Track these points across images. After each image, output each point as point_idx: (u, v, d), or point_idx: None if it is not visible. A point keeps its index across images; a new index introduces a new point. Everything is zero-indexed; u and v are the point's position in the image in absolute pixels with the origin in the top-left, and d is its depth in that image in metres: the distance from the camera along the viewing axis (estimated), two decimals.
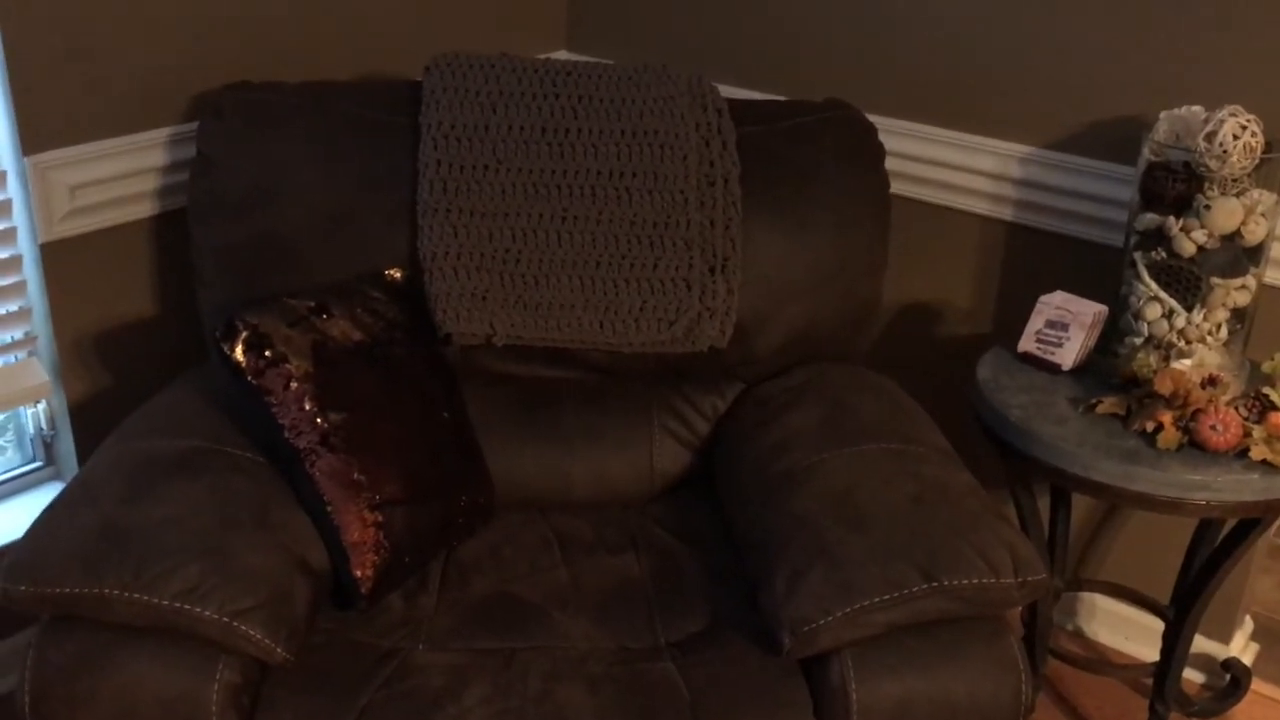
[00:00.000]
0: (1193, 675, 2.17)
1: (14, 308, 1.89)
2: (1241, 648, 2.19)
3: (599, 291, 1.83)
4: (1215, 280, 1.76)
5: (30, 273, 1.88)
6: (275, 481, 1.57)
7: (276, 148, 1.83)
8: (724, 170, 1.87)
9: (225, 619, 1.36)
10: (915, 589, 1.43)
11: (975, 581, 1.44)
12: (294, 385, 1.54)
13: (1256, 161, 1.71)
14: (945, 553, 1.46)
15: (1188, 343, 1.80)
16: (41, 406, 1.99)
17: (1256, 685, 2.14)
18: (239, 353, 1.54)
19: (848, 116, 1.98)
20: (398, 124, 1.86)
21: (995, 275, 2.19)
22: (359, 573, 1.54)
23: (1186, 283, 1.78)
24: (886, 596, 1.42)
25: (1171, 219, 1.76)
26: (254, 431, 1.62)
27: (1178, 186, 1.75)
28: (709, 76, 1.97)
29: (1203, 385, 1.73)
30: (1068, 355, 1.87)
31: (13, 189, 1.83)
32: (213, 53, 1.97)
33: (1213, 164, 1.71)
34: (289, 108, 1.86)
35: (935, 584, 1.43)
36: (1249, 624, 2.23)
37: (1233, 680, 2.09)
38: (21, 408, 1.98)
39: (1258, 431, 1.70)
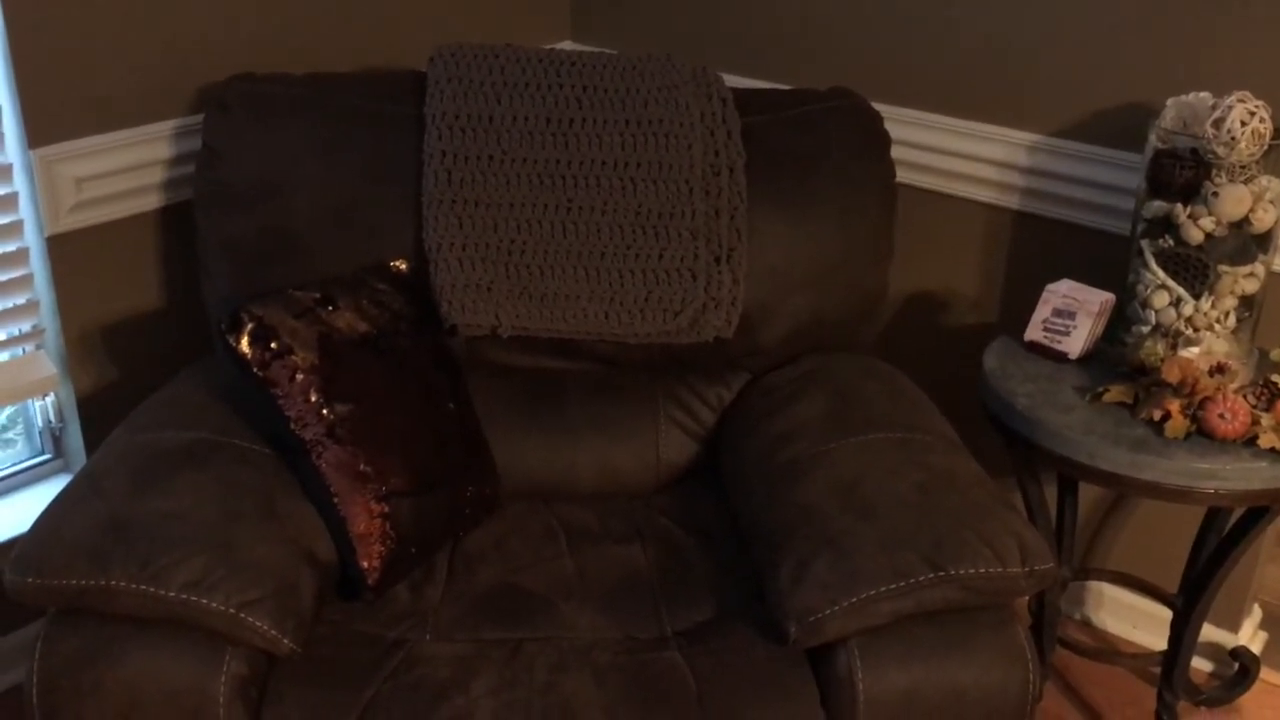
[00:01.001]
0: (1201, 664, 2.16)
1: (21, 301, 1.89)
2: (1250, 636, 2.19)
3: (604, 282, 1.83)
4: (1223, 268, 1.75)
5: (37, 266, 1.89)
6: (281, 473, 1.58)
7: (281, 140, 1.83)
8: (729, 160, 1.86)
9: (232, 610, 1.37)
10: (922, 578, 1.43)
11: (982, 571, 1.44)
12: (300, 377, 1.55)
13: (1265, 148, 1.70)
14: (952, 542, 1.45)
15: (1195, 330, 1.79)
16: (49, 399, 1.99)
17: (1265, 674, 2.13)
18: (244, 345, 1.54)
19: (853, 105, 1.97)
20: (402, 115, 1.86)
21: (1002, 264, 2.18)
22: (365, 564, 1.54)
23: (1194, 270, 1.77)
24: (893, 586, 1.42)
25: (1179, 206, 1.75)
26: (260, 423, 1.63)
27: (1185, 174, 1.74)
28: (713, 66, 1.96)
29: (1211, 373, 1.73)
30: (1075, 344, 1.87)
31: (19, 182, 1.83)
32: (218, 45, 1.97)
33: (1220, 151, 1.70)
34: (294, 100, 1.86)
35: (942, 573, 1.43)
36: (1257, 612, 2.23)
37: (1241, 669, 2.09)
38: (29, 401, 1.99)
39: (1266, 419, 1.69)
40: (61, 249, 1.88)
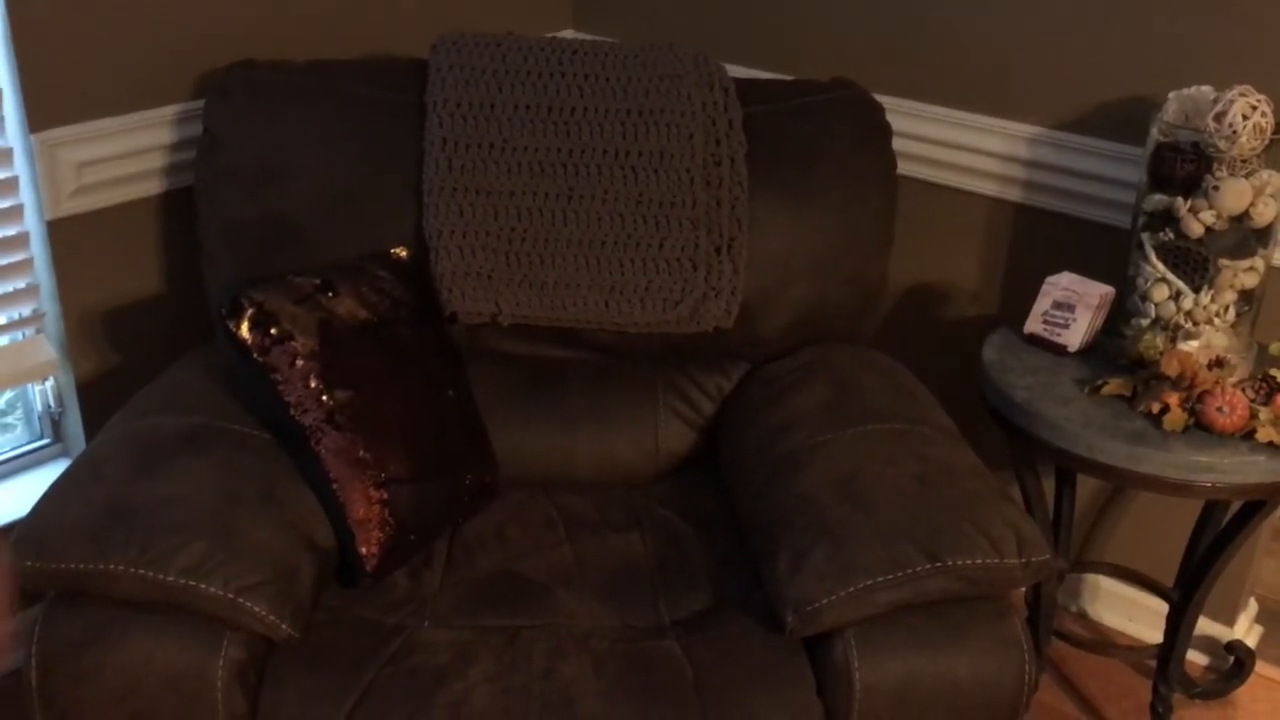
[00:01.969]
0: (1196, 657, 2.17)
1: (21, 285, 1.89)
2: (1245, 630, 2.19)
3: (604, 271, 1.83)
4: (1223, 262, 1.75)
5: (37, 250, 1.89)
6: (281, 459, 1.58)
7: (282, 126, 1.83)
8: (730, 149, 1.86)
9: (231, 595, 1.37)
10: (919, 569, 1.43)
11: (979, 562, 1.44)
12: (300, 363, 1.55)
13: (1266, 142, 1.70)
14: (949, 533, 1.46)
15: (1195, 324, 1.79)
16: (49, 384, 1.99)
17: (1260, 667, 2.14)
18: (245, 330, 1.54)
19: (855, 96, 1.97)
20: (404, 102, 1.86)
21: (1002, 256, 2.18)
22: (364, 550, 1.54)
23: (1194, 264, 1.77)
24: (890, 576, 1.43)
25: (1180, 200, 1.75)
26: (260, 409, 1.63)
27: (1186, 167, 1.74)
28: (715, 56, 1.96)
29: (1209, 367, 1.73)
30: (1074, 336, 1.87)
31: (19, 166, 1.83)
32: (219, 30, 1.97)
33: (1222, 144, 1.70)
34: (295, 86, 1.86)
35: (939, 564, 1.43)
36: (1253, 606, 2.23)
37: (1236, 662, 2.10)
38: (29, 385, 1.99)
39: (1264, 413, 1.69)
40: (62, 233, 1.88)
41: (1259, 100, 1.69)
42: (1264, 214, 1.73)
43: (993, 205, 2.16)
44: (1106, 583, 2.25)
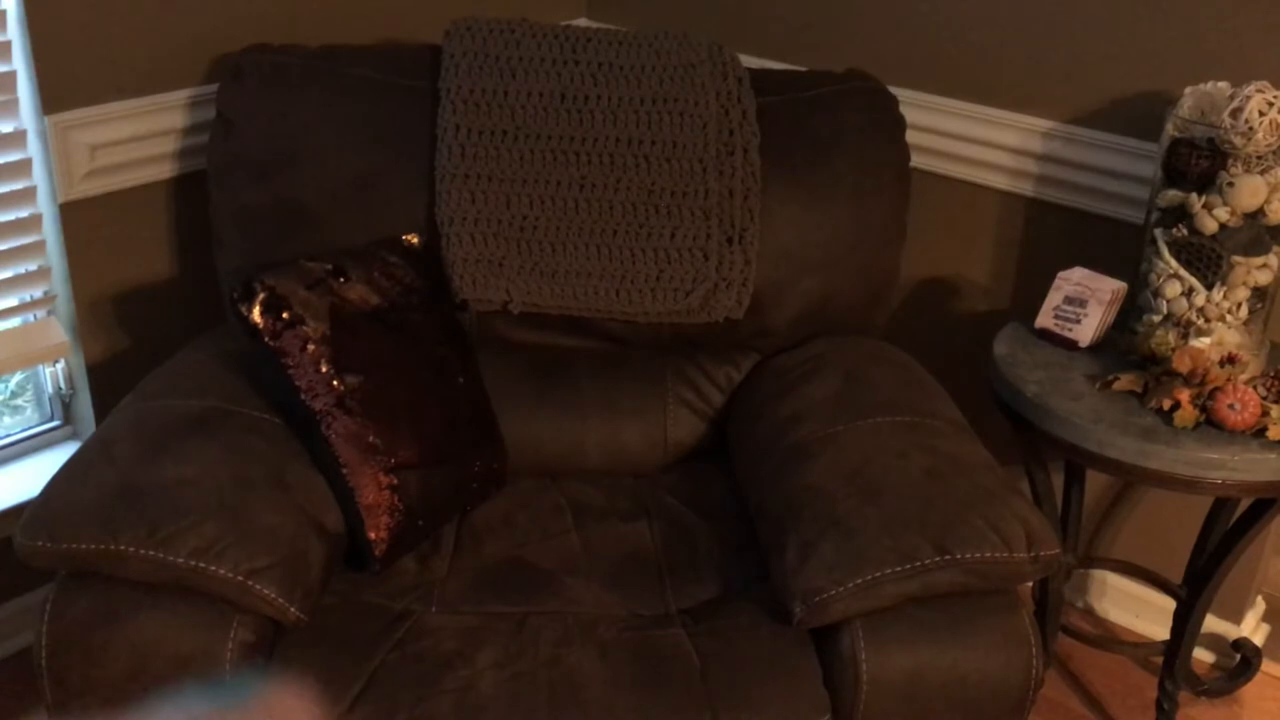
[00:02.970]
0: (1203, 654, 2.17)
1: (33, 267, 1.90)
2: (1253, 628, 2.19)
3: (615, 260, 1.83)
4: (1236, 258, 1.75)
5: (50, 232, 1.89)
6: (291, 443, 1.58)
7: (296, 111, 1.83)
8: (743, 140, 1.86)
9: (240, 578, 1.37)
10: (927, 561, 1.43)
11: (988, 555, 1.44)
12: (311, 347, 1.55)
13: None
14: (958, 526, 1.46)
15: (1207, 321, 1.79)
16: (60, 365, 2.00)
17: (1267, 666, 2.14)
18: (256, 314, 1.54)
19: (869, 88, 1.97)
20: (417, 88, 1.86)
21: (1014, 250, 2.17)
22: (373, 535, 1.55)
23: (1207, 260, 1.77)
24: (898, 568, 1.43)
25: (1194, 196, 1.74)
26: (271, 393, 1.63)
27: (1201, 163, 1.73)
28: (729, 46, 1.96)
29: (1221, 364, 1.72)
30: (1085, 332, 1.86)
31: (33, 148, 1.84)
32: (233, 14, 1.97)
33: (1238, 141, 1.69)
34: (309, 71, 1.85)
35: (948, 556, 1.43)
36: (1260, 604, 2.23)
37: (1243, 660, 2.09)
38: (40, 367, 1.99)
39: (1276, 411, 1.68)
40: (74, 216, 1.88)
41: (1275, 97, 1.68)
42: (1278, 211, 1.72)
43: (1005, 199, 2.15)
44: (1114, 579, 2.25)
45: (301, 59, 1.87)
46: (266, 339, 1.54)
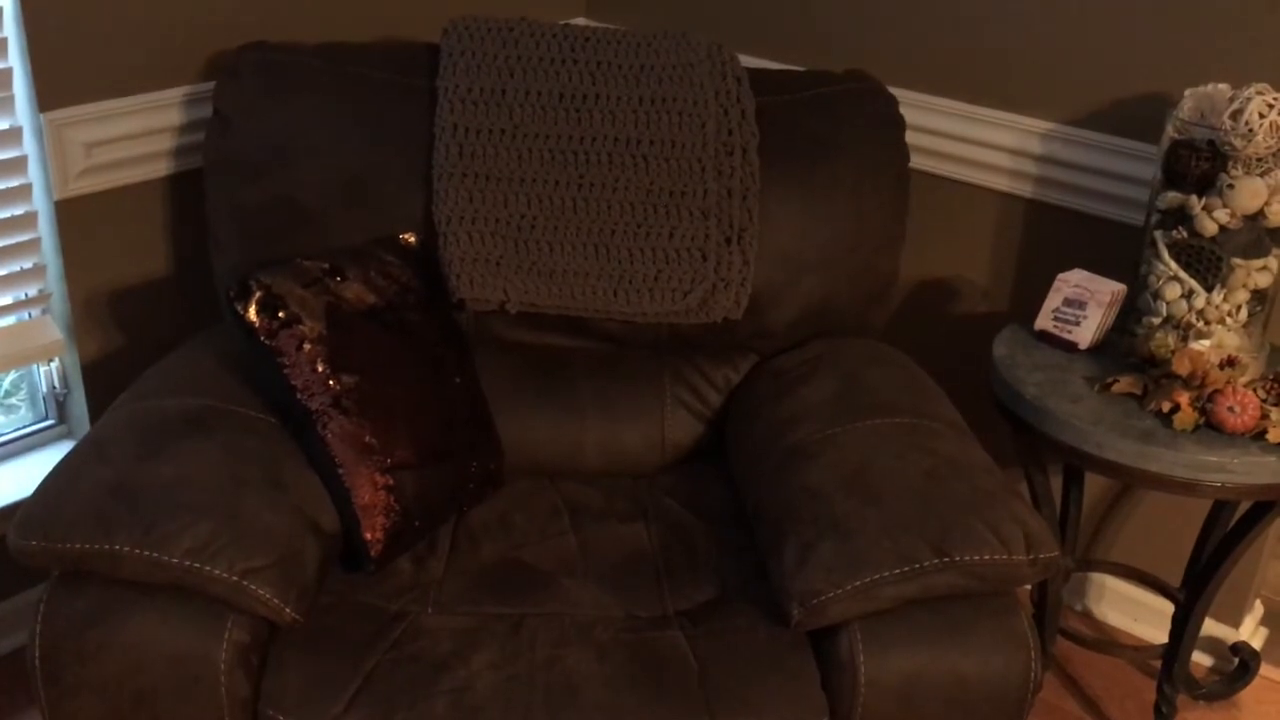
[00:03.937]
0: (1201, 658, 2.16)
1: (28, 265, 1.89)
2: (1251, 632, 2.19)
3: (614, 259, 1.82)
4: (1236, 261, 1.74)
5: (44, 230, 1.88)
6: (287, 443, 1.57)
7: (293, 109, 1.82)
8: (742, 140, 1.85)
9: (235, 578, 1.37)
10: (926, 564, 1.42)
11: (987, 557, 1.43)
12: (307, 347, 1.54)
13: None
14: (957, 528, 1.45)
15: (1206, 323, 1.78)
16: (54, 364, 1.99)
17: (1265, 670, 2.13)
18: (253, 313, 1.53)
19: (869, 88, 1.96)
20: (415, 87, 1.85)
21: (1014, 252, 2.17)
22: (369, 535, 1.54)
23: (1207, 263, 1.76)
24: (897, 570, 1.42)
25: (1194, 198, 1.74)
26: (266, 392, 1.62)
27: (1201, 165, 1.73)
28: (728, 45, 1.95)
29: (1221, 366, 1.72)
30: (1085, 334, 1.86)
31: (28, 145, 1.83)
32: (230, 11, 1.96)
33: (1238, 143, 1.69)
34: (306, 69, 1.85)
35: (947, 559, 1.43)
36: (1259, 608, 2.23)
37: (1241, 664, 2.09)
38: (34, 365, 1.98)
39: (1276, 414, 1.68)
40: (69, 214, 1.87)
41: (1276, 99, 1.68)
42: (1279, 213, 1.71)
43: (1004, 200, 2.15)
44: (1112, 582, 2.24)
45: (299, 57, 1.86)
46: (262, 338, 1.53)
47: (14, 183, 1.83)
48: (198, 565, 1.36)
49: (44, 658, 1.38)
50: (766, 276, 1.86)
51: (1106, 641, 2.20)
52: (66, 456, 1.48)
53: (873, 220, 1.90)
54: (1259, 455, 1.65)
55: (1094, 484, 2.15)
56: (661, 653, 1.46)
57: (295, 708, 1.38)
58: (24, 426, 2.03)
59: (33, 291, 1.91)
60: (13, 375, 2.02)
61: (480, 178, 1.80)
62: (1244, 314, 1.78)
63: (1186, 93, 1.78)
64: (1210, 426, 1.69)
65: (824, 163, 1.88)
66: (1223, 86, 1.76)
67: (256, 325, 1.53)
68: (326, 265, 1.64)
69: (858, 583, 1.42)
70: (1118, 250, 2.00)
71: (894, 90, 2.00)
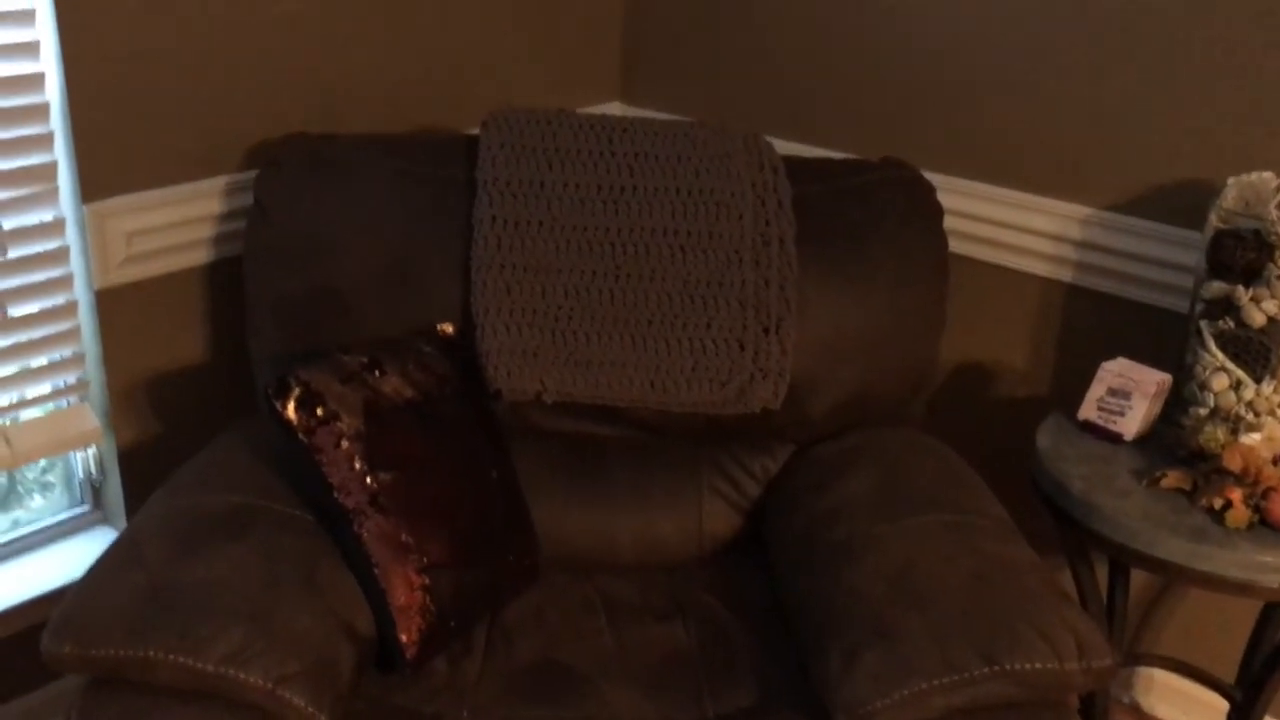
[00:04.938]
0: None
1: (68, 353, 1.90)
2: None
3: (650, 350, 1.81)
4: None
5: (84, 319, 1.89)
6: (323, 540, 1.56)
7: (332, 199, 1.83)
8: (780, 230, 1.85)
9: (270, 685, 1.34)
10: (976, 672, 1.38)
11: (1038, 666, 1.39)
12: (344, 444, 1.53)
13: None
14: (1007, 634, 1.41)
15: (1256, 415, 1.74)
16: (91, 451, 1.99)
17: None
18: (291, 410, 1.53)
19: (906, 177, 1.95)
20: (453, 178, 1.86)
21: (1054, 338, 2.14)
22: (405, 637, 1.52)
23: (1255, 353, 1.73)
24: (946, 679, 1.38)
25: (1240, 288, 1.71)
26: (303, 488, 1.61)
27: (1247, 255, 1.70)
28: (762, 129, 1.95)
29: (1275, 462, 1.68)
30: (1130, 425, 1.82)
31: (70, 236, 1.84)
32: (271, 103, 1.98)
33: None
34: (346, 160, 1.86)
35: (997, 667, 1.39)
36: None
37: None
38: (71, 452, 1.98)
39: None
40: (110, 303, 1.88)
41: None
42: None
43: (1045, 285, 2.12)
44: (1161, 675, 2.18)
45: (339, 148, 1.87)
46: (300, 435, 1.53)
47: (56, 273, 1.85)
48: (232, 672, 1.34)
49: None
50: (805, 366, 1.84)
51: None
52: (101, 557, 1.47)
53: (911, 309, 1.88)
54: None
55: (1140, 575, 2.10)
56: None
57: None
58: (59, 512, 2.03)
59: (71, 379, 1.91)
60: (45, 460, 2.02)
61: (518, 269, 1.80)
62: None
63: (1230, 181, 1.76)
64: (1265, 524, 1.64)
65: (862, 252, 1.86)
66: (1267, 175, 1.74)
67: (294, 423, 1.52)
68: (365, 359, 1.63)
69: (905, 691, 1.38)
70: (1160, 336, 1.97)
71: (931, 174, 1.99)
